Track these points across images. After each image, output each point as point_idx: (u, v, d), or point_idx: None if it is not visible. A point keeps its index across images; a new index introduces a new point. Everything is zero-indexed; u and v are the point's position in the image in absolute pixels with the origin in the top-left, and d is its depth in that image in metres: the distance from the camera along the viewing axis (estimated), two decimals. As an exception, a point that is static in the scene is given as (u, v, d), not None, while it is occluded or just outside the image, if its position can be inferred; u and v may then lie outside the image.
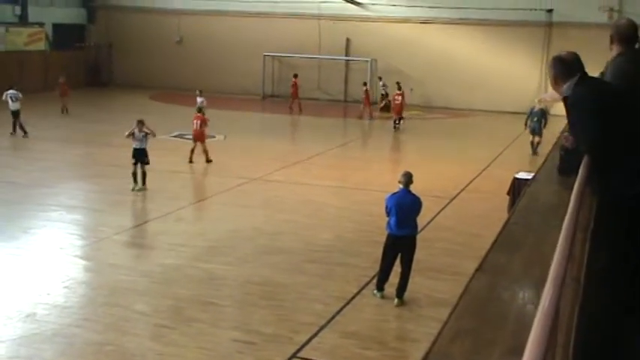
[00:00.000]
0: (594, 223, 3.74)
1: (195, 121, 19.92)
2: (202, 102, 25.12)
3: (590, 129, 3.82)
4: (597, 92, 3.96)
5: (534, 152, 23.12)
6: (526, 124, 23.98)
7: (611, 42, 4.58)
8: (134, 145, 16.55)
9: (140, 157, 16.51)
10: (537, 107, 23.61)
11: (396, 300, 10.25)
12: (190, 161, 19.79)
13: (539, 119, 23.32)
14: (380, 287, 10.46)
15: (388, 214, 10.35)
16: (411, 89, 33.63)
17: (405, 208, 10.25)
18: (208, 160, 19.78)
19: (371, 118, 31.52)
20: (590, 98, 3.84)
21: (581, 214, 3.13)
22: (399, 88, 28.75)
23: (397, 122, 28.27)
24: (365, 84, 33.13)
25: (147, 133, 16.68)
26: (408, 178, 10.38)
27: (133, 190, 16.44)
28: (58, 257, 12.62)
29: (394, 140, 27.07)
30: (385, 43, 35.92)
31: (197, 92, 26.34)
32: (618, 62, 4.50)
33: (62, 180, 16.15)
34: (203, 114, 20.25)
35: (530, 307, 2.49)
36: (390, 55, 35.92)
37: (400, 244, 10.34)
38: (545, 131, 22.91)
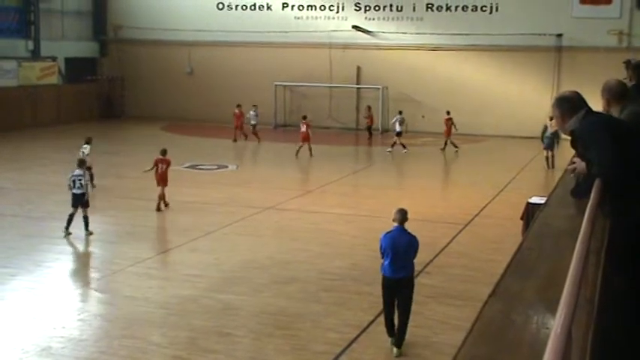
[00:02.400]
0: (608, 246, 3.76)
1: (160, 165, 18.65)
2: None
3: (604, 156, 3.94)
4: (607, 121, 4.18)
5: (551, 166, 24.87)
6: (542, 139, 25.57)
7: (608, 104, 4.83)
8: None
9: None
10: (549, 127, 24.71)
11: (394, 350, 9.70)
12: None
13: (551, 137, 24.87)
14: (391, 333, 9.89)
15: (383, 254, 9.78)
16: (422, 116, 33.86)
17: (400, 249, 9.65)
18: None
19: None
20: (602, 127, 4.04)
21: (594, 236, 3.15)
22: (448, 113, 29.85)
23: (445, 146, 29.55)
24: (369, 108, 34.64)
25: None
26: (402, 215, 9.82)
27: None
28: (73, 290, 12.69)
29: (406, 167, 27.10)
30: (396, 70, 36.04)
31: None
32: (634, 107, 4.73)
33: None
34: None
35: (545, 332, 2.50)
36: (401, 82, 36.02)
37: (396, 287, 9.74)
38: (557, 154, 23.69)
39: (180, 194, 20.13)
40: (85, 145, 20.39)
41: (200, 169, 24.99)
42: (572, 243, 2.74)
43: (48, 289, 12.57)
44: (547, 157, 25.35)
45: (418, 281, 12.79)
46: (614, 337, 3.45)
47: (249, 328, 10.84)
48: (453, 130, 29.56)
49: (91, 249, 15.35)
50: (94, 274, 13.67)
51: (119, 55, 40.73)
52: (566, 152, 20.98)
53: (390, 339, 9.81)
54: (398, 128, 29.30)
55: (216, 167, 25.38)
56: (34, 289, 12.52)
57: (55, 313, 11.34)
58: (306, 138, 27.37)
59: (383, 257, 9.78)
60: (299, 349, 9.92)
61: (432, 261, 14.15)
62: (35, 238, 15.80)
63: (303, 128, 27.46)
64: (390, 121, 31.91)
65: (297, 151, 27.32)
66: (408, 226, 10.00)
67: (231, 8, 38.83)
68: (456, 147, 29.36)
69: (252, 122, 31.77)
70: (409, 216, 10.14)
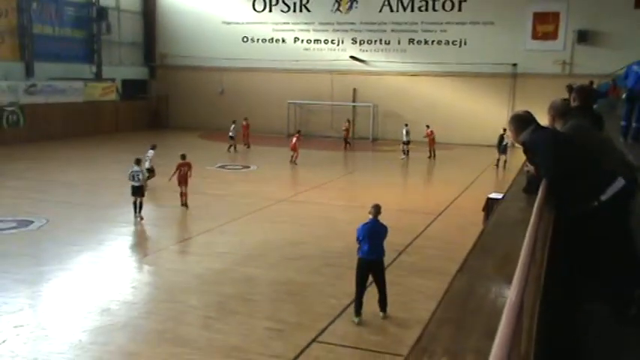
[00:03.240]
0: (552, 233, 3.75)
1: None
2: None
3: (548, 161, 3.99)
4: (551, 134, 4.25)
5: (502, 167, 25.77)
6: (498, 147, 26.28)
7: (553, 120, 4.87)
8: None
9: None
10: (505, 138, 25.07)
11: (381, 313, 9.66)
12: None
13: (506, 145, 25.81)
14: (358, 312, 9.53)
15: (360, 242, 9.58)
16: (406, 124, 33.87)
17: (375, 235, 9.52)
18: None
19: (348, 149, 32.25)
20: (547, 138, 4.11)
21: (541, 225, 3.14)
22: (428, 127, 29.34)
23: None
24: (348, 121, 34.31)
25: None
26: (377, 210, 9.68)
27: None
28: (127, 264, 12.71)
29: (392, 169, 27.06)
30: (384, 91, 36.07)
31: None
32: (573, 122, 4.74)
33: (130, 202, 16.21)
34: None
35: (502, 300, 2.50)
36: (388, 101, 36.04)
37: (371, 267, 9.62)
38: (509, 158, 23.96)
39: (212, 188, 20.16)
40: (150, 151, 20.35)
41: (228, 168, 25.01)
42: (524, 230, 2.74)
43: (107, 263, 12.60)
44: (498, 160, 26.13)
45: (400, 259, 12.86)
46: (556, 298, 3.45)
47: (266, 294, 10.86)
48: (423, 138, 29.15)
49: (142, 231, 15.37)
50: (144, 251, 13.71)
51: (165, 77, 40.78)
52: (516, 158, 20.97)
53: (356, 318, 9.48)
54: (405, 138, 28.48)
55: (240, 167, 25.39)
56: (96, 262, 12.56)
57: (113, 281, 11.37)
58: (294, 148, 25.90)
59: (359, 243, 9.58)
60: (305, 311, 9.93)
61: (411, 243, 14.15)
62: (98, 222, 15.84)
63: (294, 140, 26.20)
64: (389, 131, 31.77)
65: (292, 159, 25.95)
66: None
67: (254, 41, 38.82)
68: (431, 155, 28.99)
69: (231, 134, 29.58)
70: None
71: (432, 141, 28.95)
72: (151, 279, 11.85)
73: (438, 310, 2.51)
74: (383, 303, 9.73)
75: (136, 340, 8.78)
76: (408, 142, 28.52)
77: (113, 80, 37.47)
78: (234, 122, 30.18)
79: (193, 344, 8.60)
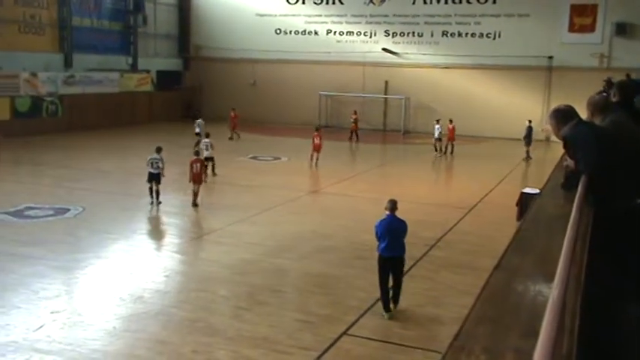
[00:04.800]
0: (592, 230, 3.65)
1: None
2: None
3: (589, 156, 3.89)
4: (594, 129, 4.14)
5: (529, 157, 26.44)
6: (526, 140, 26.86)
7: (592, 115, 4.75)
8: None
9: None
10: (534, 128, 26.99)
11: (392, 305, 9.39)
12: None
13: (529, 135, 26.81)
14: (387, 309, 9.35)
15: (379, 239, 9.35)
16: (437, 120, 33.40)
17: (394, 232, 9.26)
18: None
19: (354, 141, 31.04)
20: (590, 133, 4.00)
21: (581, 222, 3.06)
22: (451, 122, 27.99)
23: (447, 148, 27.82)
24: (355, 112, 32.99)
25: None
26: (393, 204, 9.42)
27: None
28: (160, 253, 12.85)
29: (423, 162, 26.83)
30: (416, 84, 35.73)
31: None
32: (613, 117, 4.62)
33: (164, 192, 16.39)
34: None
35: (541, 299, 2.43)
36: (420, 93, 35.70)
37: (391, 264, 9.36)
38: (545, 156, 23.87)
39: (244, 179, 20.26)
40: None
41: (260, 159, 25.09)
42: (563, 227, 2.66)
43: (141, 251, 12.75)
44: (527, 151, 26.58)
45: (431, 253, 12.74)
46: (595, 298, 3.36)
47: (296, 286, 10.87)
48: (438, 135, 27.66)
49: (174, 221, 15.50)
50: (176, 241, 13.82)
51: (198, 69, 41.06)
52: (550, 152, 20.70)
53: (386, 314, 9.31)
54: (437, 134, 27.42)
55: (272, 159, 25.43)
56: (130, 251, 12.71)
57: (146, 270, 11.50)
58: (318, 148, 23.33)
59: (379, 241, 9.33)
60: (335, 303, 9.91)
61: (442, 237, 14.02)
62: (131, 211, 16.05)
63: (317, 140, 23.35)
64: (421, 124, 31.11)
65: (314, 161, 23.27)
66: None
67: (287, 33, 38.81)
68: (444, 151, 27.55)
69: (197, 130, 26.13)
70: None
71: (452, 136, 27.70)
72: (183, 268, 11.95)
73: (475, 307, 2.45)
74: (395, 297, 9.50)
75: (168, 329, 8.85)
76: (440, 139, 27.48)
77: (148, 71, 37.82)
78: (196, 119, 27.29)
79: (223, 334, 8.65)
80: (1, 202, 16.03)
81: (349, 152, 28.26)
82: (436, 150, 27.66)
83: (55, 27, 32.29)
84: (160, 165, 16.13)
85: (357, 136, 31.81)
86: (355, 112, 33.01)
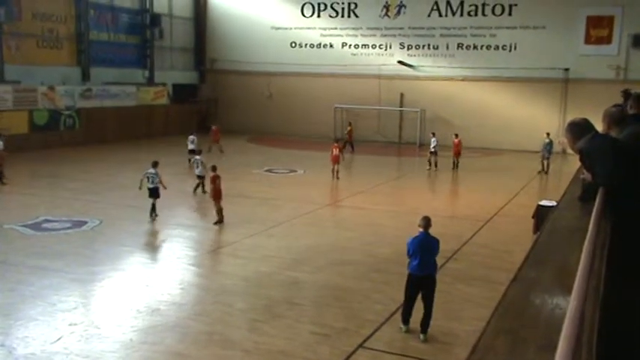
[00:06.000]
0: (610, 242, 3.64)
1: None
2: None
3: (606, 168, 3.91)
4: (610, 141, 4.16)
5: (545, 171, 26.17)
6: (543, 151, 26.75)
7: (608, 127, 4.75)
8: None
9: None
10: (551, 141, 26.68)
11: (421, 335, 9.06)
12: None
13: (548, 149, 26.45)
14: (405, 321, 9.28)
15: (410, 256, 9.12)
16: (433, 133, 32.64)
17: (426, 250, 9.04)
18: None
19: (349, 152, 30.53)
20: (607, 146, 4.02)
21: (599, 235, 3.05)
22: (457, 136, 27.47)
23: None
24: (350, 123, 33.60)
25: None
26: (427, 222, 9.21)
27: None
28: (177, 265, 12.89)
29: (439, 175, 26.75)
30: (432, 96, 35.74)
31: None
32: (630, 129, 4.62)
33: (179, 205, 16.50)
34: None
35: (559, 312, 2.43)
36: (436, 106, 35.68)
37: (422, 283, 9.13)
38: (562, 169, 23.87)
39: (260, 192, 20.33)
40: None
41: (275, 172, 25.17)
42: (580, 239, 2.66)
43: (157, 264, 12.83)
44: (542, 164, 26.37)
45: (447, 266, 12.69)
46: (614, 311, 3.34)
47: (312, 299, 10.86)
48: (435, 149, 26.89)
49: (190, 233, 15.56)
50: (192, 253, 13.87)
51: (214, 82, 41.37)
52: (566, 165, 20.61)
53: (403, 326, 9.27)
54: (432, 147, 26.76)
55: (287, 171, 25.50)
56: (146, 263, 12.80)
57: (162, 282, 11.55)
58: (337, 160, 23.46)
59: (410, 258, 9.13)
60: (351, 317, 9.89)
61: (458, 250, 13.96)
62: (148, 223, 16.13)
63: (336, 151, 23.49)
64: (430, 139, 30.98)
65: (335, 174, 23.39)
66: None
67: (302, 46, 39.07)
68: (436, 167, 26.83)
69: (191, 147, 25.18)
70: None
71: (456, 151, 27.12)
72: (199, 281, 11.99)
73: (493, 320, 2.46)
74: (426, 323, 9.11)
75: (185, 341, 8.89)
76: (435, 153, 26.67)
77: (164, 85, 38.24)
78: (191, 133, 26.37)
79: (240, 347, 8.67)
80: (20, 215, 16.23)
81: (366, 165, 28.23)
82: (430, 164, 26.93)
83: (72, 41, 32.79)
84: (156, 179, 16.22)
85: (352, 146, 31.91)
86: (350, 124, 33.81)
